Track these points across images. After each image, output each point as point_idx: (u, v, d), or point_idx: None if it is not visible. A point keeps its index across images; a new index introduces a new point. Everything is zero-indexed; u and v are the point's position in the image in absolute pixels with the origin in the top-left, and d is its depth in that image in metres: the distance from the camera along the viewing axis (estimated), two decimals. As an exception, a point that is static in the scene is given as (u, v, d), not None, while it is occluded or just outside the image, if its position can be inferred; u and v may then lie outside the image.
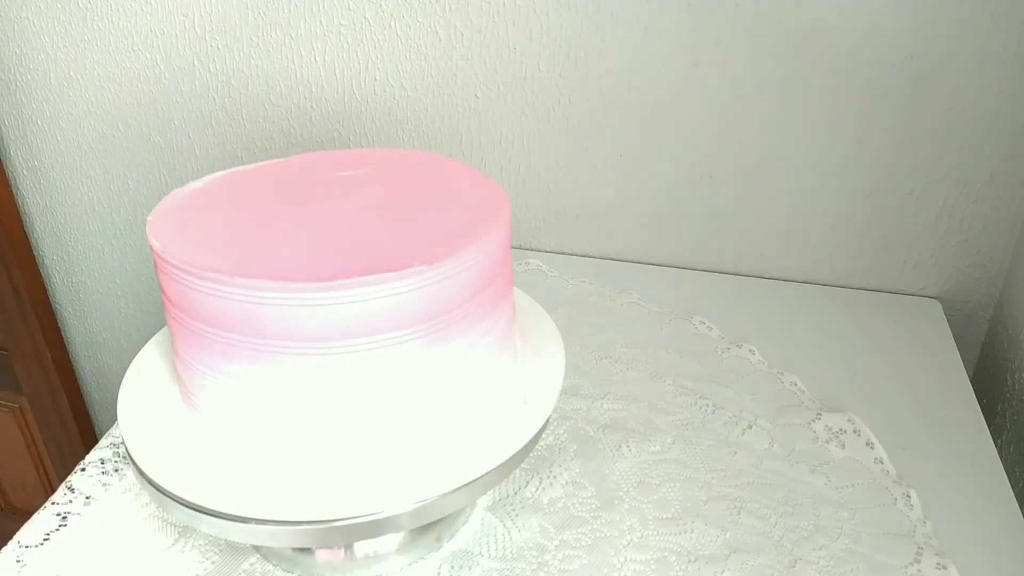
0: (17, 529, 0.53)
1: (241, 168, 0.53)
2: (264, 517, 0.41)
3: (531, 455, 0.57)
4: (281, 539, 0.42)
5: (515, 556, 0.51)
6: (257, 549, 0.51)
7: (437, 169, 0.52)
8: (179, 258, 0.41)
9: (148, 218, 0.46)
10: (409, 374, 0.42)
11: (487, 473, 0.44)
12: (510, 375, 0.49)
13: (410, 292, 0.40)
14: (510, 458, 0.44)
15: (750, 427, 0.61)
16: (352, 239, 0.43)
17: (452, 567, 0.50)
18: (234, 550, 0.51)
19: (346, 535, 0.42)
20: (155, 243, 0.43)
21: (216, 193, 0.49)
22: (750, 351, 0.71)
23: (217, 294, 0.40)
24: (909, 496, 0.55)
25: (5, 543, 0.52)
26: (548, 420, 0.48)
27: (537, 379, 0.50)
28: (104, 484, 0.56)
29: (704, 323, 0.75)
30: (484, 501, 0.55)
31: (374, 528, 0.42)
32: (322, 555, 0.50)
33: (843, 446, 0.60)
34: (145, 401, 0.49)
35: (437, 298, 0.41)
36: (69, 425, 1.20)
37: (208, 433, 0.45)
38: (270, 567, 0.50)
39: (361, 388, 0.42)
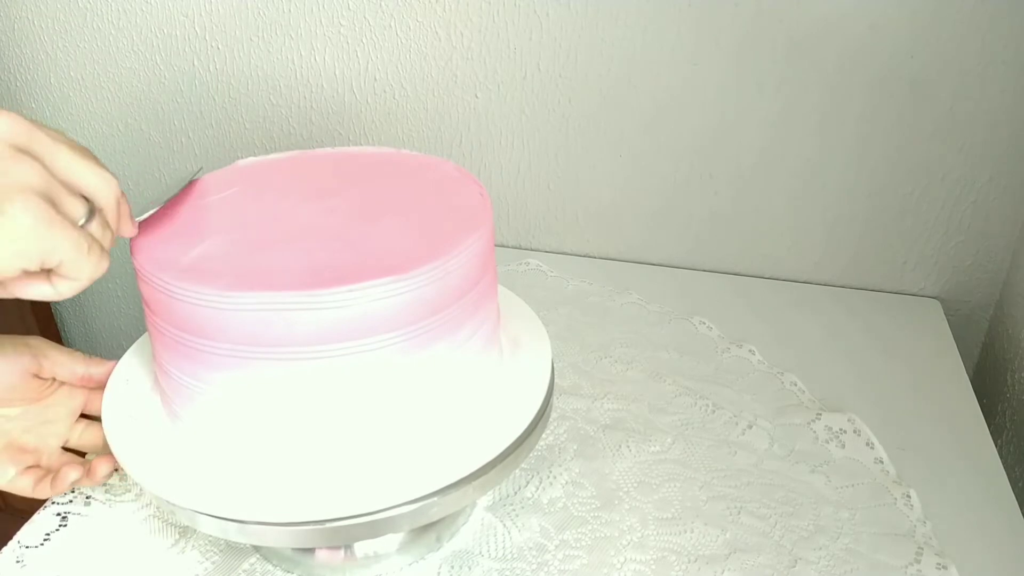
0: (17, 529, 0.53)
1: (218, 171, 0.52)
2: (263, 519, 0.41)
3: (531, 455, 0.57)
4: (281, 539, 0.42)
5: (515, 556, 0.51)
6: (257, 549, 0.51)
7: (418, 168, 0.51)
8: (154, 264, 0.41)
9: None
10: (393, 378, 0.42)
11: (474, 474, 0.43)
12: (497, 374, 0.49)
13: (393, 297, 0.39)
14: (504, 461, 0.44)
15: (750, 427, 0.61)
16: (332, 243, 0.42)
17: (452, 567, 0.50)
18: (234, 550, 0.51)
19: (345, 535, 0.42)
20: (134, 249, 0.43)
21: (198, 196, 0.49)
22: (750, 351, 0.71)
23: (197, 303, 0.39)
24: (909, 496, 0.55)
25: (5, 543, 0.52)
26: (542, 418, 0.47)
27: (525, 376, 0.50)
28: (105, 484, 0.56)
29: (704, 323, 0.75)
30: (484, 501, 0.55)
31: (372, 528, 0.41)
32: (322, 555, 0.50)
33: (843, 446, 0.60)
34: (131, 412, 0.48)
35: (421, 302, 0.41)
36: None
37: (202, 440, 0.45)
38: (270, 567, 0.50)
39: (344, 393, 0.41)
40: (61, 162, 0.38)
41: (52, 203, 0.36)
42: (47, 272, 0.38)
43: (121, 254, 0.46)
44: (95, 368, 0.51)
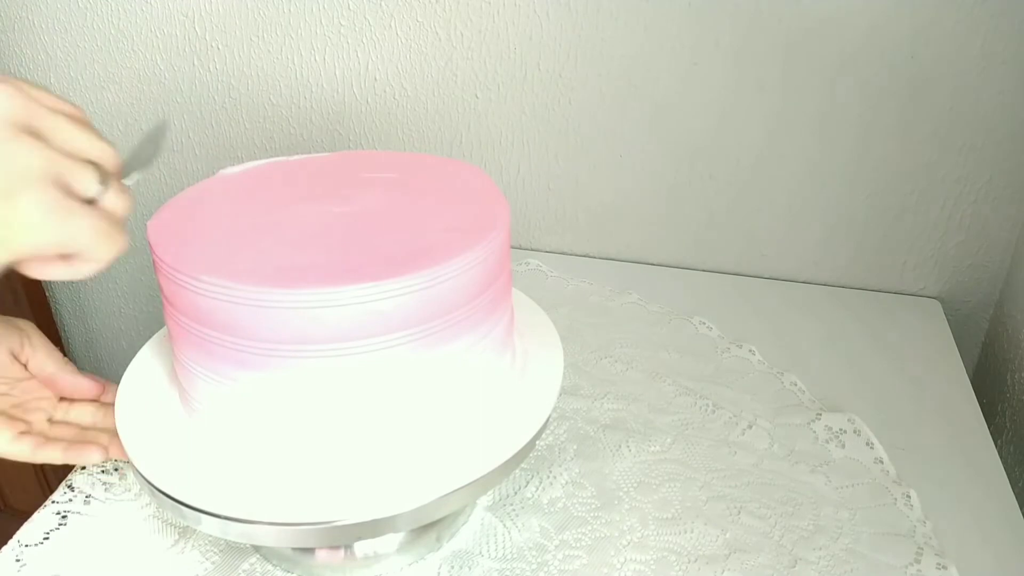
0: (16, 529, 0.53)
1: (246, 166, 0.53)
2: (265, 519, 0.41)
3: (531, 455, 0.57)
4: (282, 539, 0.42)
5: (515, 556, 0.51)
6: (257, 549, 0.51)
7: (440, 172, 0.52)
8: (178, 260, 0.41)
9: (148, 221, 0.46)
10: (407, 376, 0.42)
11: (486, 474, 0.43)
12: (508, 376, 0.49)
13: (407, 295, 0.40)
14: (508, 460, 0.44)
15: (750, 427, 0.61)
16: (352, 243, 0.43)
17: (452, 567, 0.50)
18: (234, 550, 0.51)
19: (346, 535, 0.42)
20: (155, 245, 0.43)
21: (220, 193, 0.49)
22: (750, 351, 0.71)
23: (216, 297, 0.40)
24: (909, 496, 0.55)
25: (5, 542, 0.52)
26: (547, 421, 0.48)
27: (536, 380, 0.50)
28: (104, 483, 0.56)
29: (704, 323, 0.75)
30: (484, 501, 0.55)
31: (374, 528, 0.42)
32: (322, 555, 0.50)
33: (843, 446, 0.60)
34: (143, 405, 0.49)
35: (435, 302, 0.41)
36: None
37: (207, 435, 0.45)
38: (270, 567, 0.50)
39: (360, 390, 0.42)
40: (63, 133, 0.36)
41: (62, 185, 0.35)
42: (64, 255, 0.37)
43: (122, 255, 0.46)
44: (67, 376, 0.49)
